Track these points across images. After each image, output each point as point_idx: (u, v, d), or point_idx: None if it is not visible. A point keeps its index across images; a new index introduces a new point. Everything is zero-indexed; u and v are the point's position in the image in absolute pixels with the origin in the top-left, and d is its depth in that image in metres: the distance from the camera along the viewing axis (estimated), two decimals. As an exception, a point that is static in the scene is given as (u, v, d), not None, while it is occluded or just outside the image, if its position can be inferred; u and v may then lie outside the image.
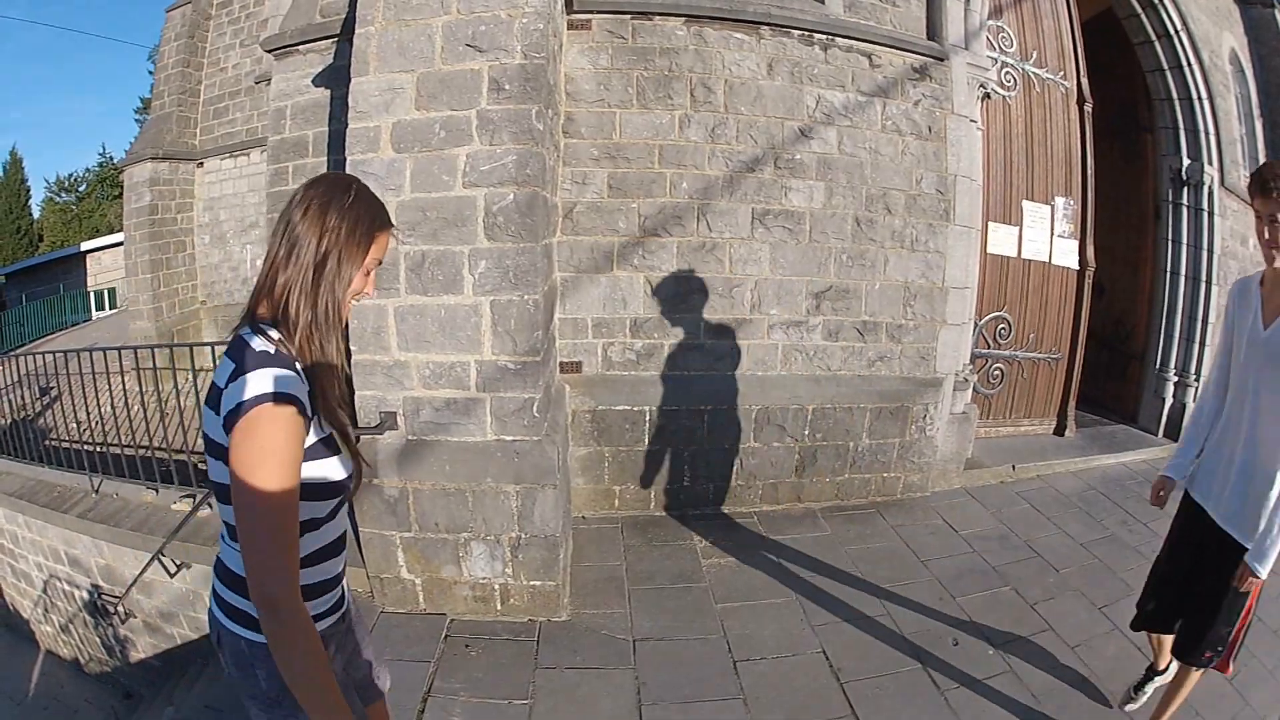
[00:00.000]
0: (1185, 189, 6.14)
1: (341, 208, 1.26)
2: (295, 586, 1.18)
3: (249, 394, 1.15)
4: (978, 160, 4.85)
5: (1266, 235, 2.06)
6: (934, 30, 4.63)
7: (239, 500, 1.16)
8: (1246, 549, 2.13)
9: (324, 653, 1.22)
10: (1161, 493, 2.55)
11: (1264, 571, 2.10)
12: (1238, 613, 2.24)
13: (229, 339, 1.28)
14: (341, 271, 1.27)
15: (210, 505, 4.05)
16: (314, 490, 1.28)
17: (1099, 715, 2.67)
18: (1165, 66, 6.15)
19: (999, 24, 5.15)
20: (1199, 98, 6.12)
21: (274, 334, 1.25)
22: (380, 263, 1.36)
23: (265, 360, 1.20)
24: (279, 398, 1.16)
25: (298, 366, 1.24)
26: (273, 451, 1.15)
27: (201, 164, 10.71)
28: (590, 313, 4.23)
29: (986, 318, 5.33)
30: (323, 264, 1.25)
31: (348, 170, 3.20)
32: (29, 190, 30.16)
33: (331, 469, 1.31)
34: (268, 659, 1.29)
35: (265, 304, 1.28)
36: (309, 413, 1.23)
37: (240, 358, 1.21)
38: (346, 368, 1.42)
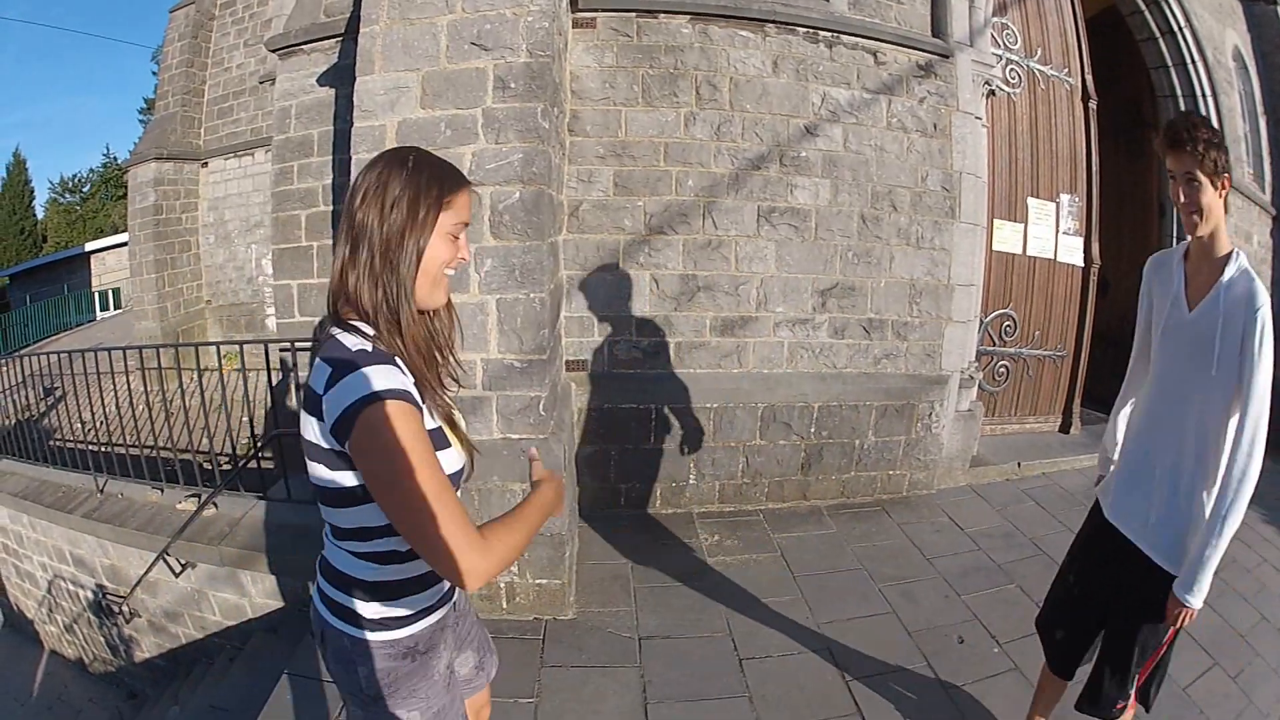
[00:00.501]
0: (1190, 186, 6.12)
1: (402, 180, 1.19)
2: (480, 547, 1.12)
3: (354, 397, 1.10)
4: (983, 157, 4.84)
5: (1183, 198, 1.78)
6: (939, 27, 4.63)
7: (388, 506, 1.13)
8: (1168, 572, 1.83)
9: (518, 529, 1.20)
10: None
11: (1197, 601, 1.76)
12: (1150, 650, 1.94)
13: (323, 340, 1.22)
14: (409, 246, 1.19)
15: (215, 505, 4.06)
16: None
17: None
18: (1169, 63, 6.15)
19: (1004, 21, 5.14)
20: (1203, 95, 6.12)
21: (366, 329, 1.20)
22: (467, 225, 1.28)
23: (363, 359, 1.14)
24: (388, 394, 1.11)
25: (398, 361, 1.19)
26: (400, 447, 1.09)
27: (206, 164, 10.75)
28: (596, 311, 4.23)
29: (992, 315, 5.32)
30: (388, 244, 1.19)
31: (353, 171, 3.21)
32: (33, 191, 30.32)
33: (446, 462, 1.25)
34: (368, 658, 1.29)
35: (342, 302, 1.22)
36: (419, 404, 1.18)
37: (336, 360, 1.14)
38: (450, 344, 1.36)
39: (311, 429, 1.18)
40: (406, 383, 1.17)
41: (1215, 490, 1.77)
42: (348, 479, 1.18)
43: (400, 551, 1.28)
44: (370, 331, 1.20)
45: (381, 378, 1.12)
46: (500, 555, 1.14)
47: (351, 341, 1.17)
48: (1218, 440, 1.78)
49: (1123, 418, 2.20)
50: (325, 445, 1.16)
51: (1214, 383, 1.77)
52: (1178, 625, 1.83)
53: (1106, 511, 2.07)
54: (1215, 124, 6.14)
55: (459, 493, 1.27)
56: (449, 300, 1.33)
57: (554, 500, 1.34)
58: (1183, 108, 6.18)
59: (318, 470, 1.21)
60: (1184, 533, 1.82)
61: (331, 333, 1.21)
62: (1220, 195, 1.76)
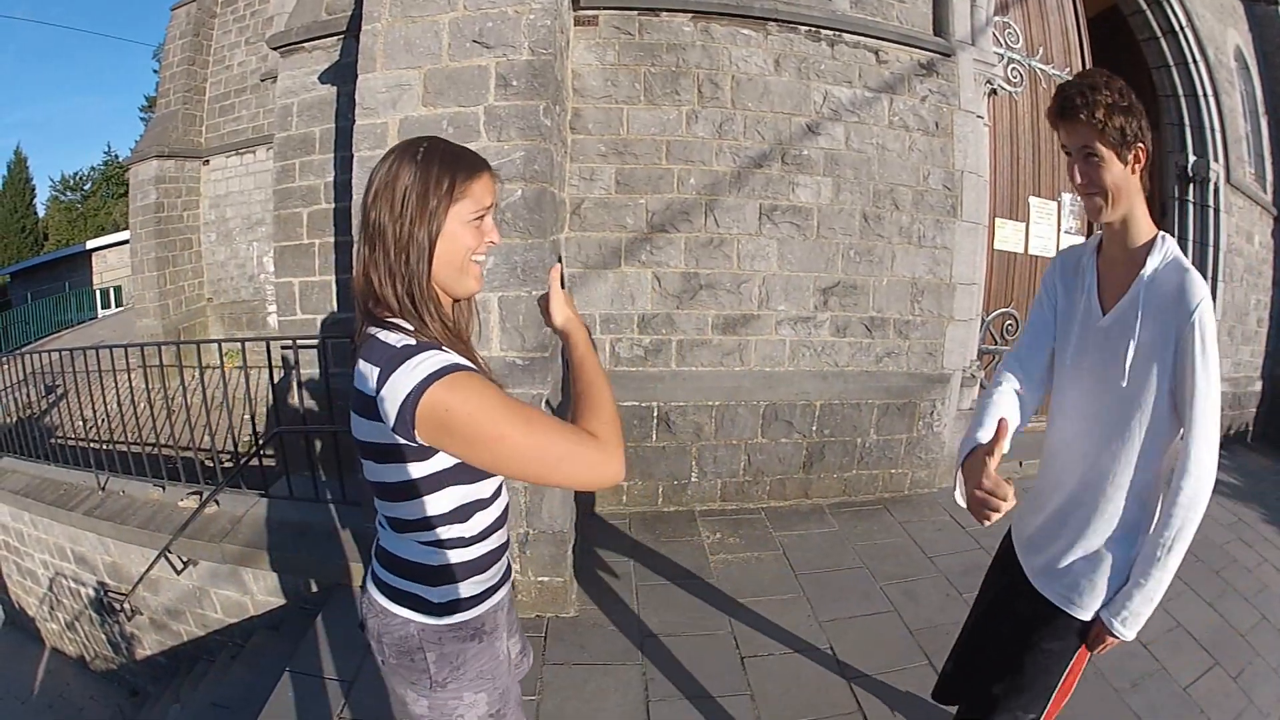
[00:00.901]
0: (1191, 185, 6.14)
1: (411, 173, 1.18)
2: (596, 444, 1.12)
3: (411, 387, 1.08)
4: (984, 156, 4.84)
5: (1079, 177, 1.44)
6: (941, 26, 4.62)
7: (497, 465, 1.11)
8: (1058, 609, 1.57)
9: (604, 402, 1.20)
10: (979, 490, 1.34)
11: (1129, 633, 1.48)
12: (1049, 693, 1.65)
13: (363, 342, 1.21)
14: (422, 240, 1.18)
15: (217, 502, 4.06)
16: (482, 471, 1.24)
17: (1103, 710, 2.66)
18: (1171, 63, 6.15)
19: (1005, 20, 5.14)
20: (1204, 94, 6.11)
21: (405, 324, 1.19)
22: (490, 208, 1.26)
23: (409, 352, 1.13)
24: (445, 371, 1.09)
25: (444, 348, 1.18)
26: (477, 409, 1.08)
27: (207, 162, 10.74)
28: (598, 308, 4.23)
29: (994, 314, 5.32)
30: (402, 240, 1.18)
31: (354, 168, 3.20)
32: (34, 189, 30.23)
33: None
34: (438, 643, 1.30)
35: (373, 302, 1.22)
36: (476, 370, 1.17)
37: (383, 359, 1.14)
38: (468, 333, 1.37)
39: (366, 429, 1.19)
40: (458, 359, 1.16)
41: (1153, 521, 1.48)
42: (411, 472, 1.20)
43: (466, 537, 1.29)
44: (409, 326, 1.20)
45: (432, 361, 1.11)
46: (613, 436, 1.15)
47: (394, 339, 1.17)
48: (1140, 467, 1.47)
49: (998, 400, 1.63)
50: (387, 442, 1.16)
51: (1125, 397, 1.44)
52: (1097, 652, 1.58)
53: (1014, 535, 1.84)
54: (1217, 122, 6.20)
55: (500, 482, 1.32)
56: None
57: (591, 343, 1.38)
58: (1184, 108, 6.19)
59: (376, 468, 1.22)
60: (1086, 575, 1.54)
61: (371, 333, 1.20)
62: (1133, 170, 1.41)
